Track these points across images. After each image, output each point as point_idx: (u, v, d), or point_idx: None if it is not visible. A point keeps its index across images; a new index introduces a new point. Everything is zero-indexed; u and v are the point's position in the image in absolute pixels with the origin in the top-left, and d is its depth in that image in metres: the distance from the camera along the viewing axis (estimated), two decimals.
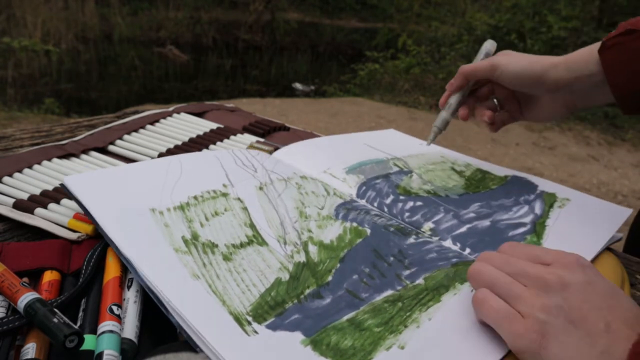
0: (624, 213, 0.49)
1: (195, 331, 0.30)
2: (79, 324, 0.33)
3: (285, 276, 0.37)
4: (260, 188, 0.49)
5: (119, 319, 0.32)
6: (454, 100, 0.56)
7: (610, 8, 5.28)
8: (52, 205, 0.46)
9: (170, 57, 6.15)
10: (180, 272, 0.35)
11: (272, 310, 0.33)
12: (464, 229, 0.47)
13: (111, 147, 0.61)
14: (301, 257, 0.39)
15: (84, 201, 0.41)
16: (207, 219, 0.42)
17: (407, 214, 0.49)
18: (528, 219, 0.48)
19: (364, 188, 0.53)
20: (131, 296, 0.34)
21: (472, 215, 0.49)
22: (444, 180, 0.57)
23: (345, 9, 8.89)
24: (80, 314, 0.34)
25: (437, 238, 0.45)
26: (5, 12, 5.77)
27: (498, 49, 0.57)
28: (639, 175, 3.16)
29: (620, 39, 0.44)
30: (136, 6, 7.26)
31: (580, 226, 0.47)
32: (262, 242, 0.41)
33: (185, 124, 0.69)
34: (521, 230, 0.47)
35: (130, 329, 0.32)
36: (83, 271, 0.36)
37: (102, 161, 0.57)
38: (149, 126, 0.67)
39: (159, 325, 0.33)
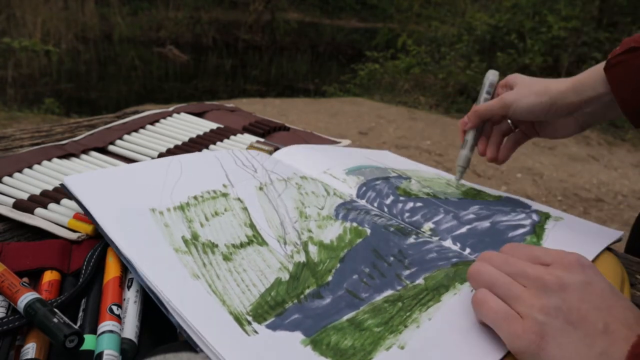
0: (614, 235, 0.47)
1: (195, 331, 0.30)
2: (79, 324, 0.33)
3: (285, 276, 0.37)
4: (260, 188, 0.49)
5: (119, 319, 0.32)
6: (470, 137, 0.56)
7: (610, 8, 5.28)
8: (52, 205, 0.46)
9: (170, 57, 6.15)
10: (180, 272, 0.35)
11: (272, 310, 0.33)
12: (463, 229, 0.47)
13: (111, 147, 0.61)
14: (301, 257, 0.39)
15: (84, 201, 0.41)
16: (207, 219, 0.42)
17: (407, 214, 0.49)
18: (527, 222, 0.49)
19: (364, 188, 0.53)
20: (131, 296, 0.34)
21: (472, 216, 0.49)
22: (442, 187, 0.57)
23: (345, 9, 8.89)
24: (80, 314, 0.34)
25: (437, 238, 0.45)
26: (5, 12, 5.77)
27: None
28: (639, 175, 3.16)
29: (625, 56, 0.46)
30: (136, 6, 7.27)
31: (578, 233, 0.47)
32: (262, 242, 0.41)
33: (185, 124, 0.69)
34: (521, 231, 0.47)
35: (130, 329, 0.32)
36: (83, 271, 0.36)
37: (102, 161, 0.57)
38: (149, 126, 0.67)
39: (159, 325, 0.33)
